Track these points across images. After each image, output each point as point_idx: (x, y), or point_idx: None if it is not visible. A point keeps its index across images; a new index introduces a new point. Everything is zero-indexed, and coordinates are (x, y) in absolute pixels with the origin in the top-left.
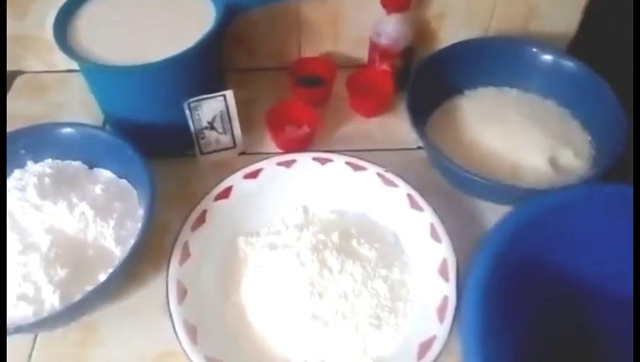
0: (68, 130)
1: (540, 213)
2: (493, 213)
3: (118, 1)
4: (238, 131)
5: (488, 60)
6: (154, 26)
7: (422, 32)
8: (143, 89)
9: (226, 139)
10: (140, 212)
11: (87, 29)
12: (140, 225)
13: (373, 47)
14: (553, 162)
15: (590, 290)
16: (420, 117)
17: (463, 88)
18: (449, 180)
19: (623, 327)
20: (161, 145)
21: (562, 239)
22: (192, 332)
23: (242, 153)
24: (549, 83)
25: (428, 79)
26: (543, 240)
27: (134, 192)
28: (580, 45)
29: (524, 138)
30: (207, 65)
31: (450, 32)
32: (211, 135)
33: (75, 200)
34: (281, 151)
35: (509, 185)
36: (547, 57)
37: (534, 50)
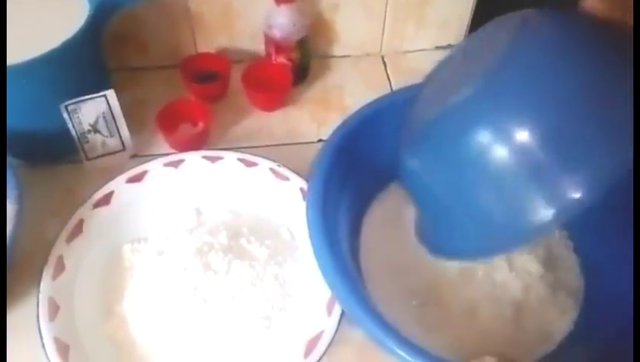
0: None
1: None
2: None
3: None
4: (126, 133)
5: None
6: (24, 25)
7: (317, 23)
8: (14, 93)
9: (113, 142)
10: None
11: None
12: None
13: (268, 40)
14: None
15: None
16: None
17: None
18: None
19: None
20: (44, 152)
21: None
22: (64, 350)
23: (134, 156)
24: None
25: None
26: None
27: (12, 208)
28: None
29: None
30: (84, 65)
31: (346, 23)
32: (96, 138)
33: None
34: (175, 151)
35: None
36: None
37: None
